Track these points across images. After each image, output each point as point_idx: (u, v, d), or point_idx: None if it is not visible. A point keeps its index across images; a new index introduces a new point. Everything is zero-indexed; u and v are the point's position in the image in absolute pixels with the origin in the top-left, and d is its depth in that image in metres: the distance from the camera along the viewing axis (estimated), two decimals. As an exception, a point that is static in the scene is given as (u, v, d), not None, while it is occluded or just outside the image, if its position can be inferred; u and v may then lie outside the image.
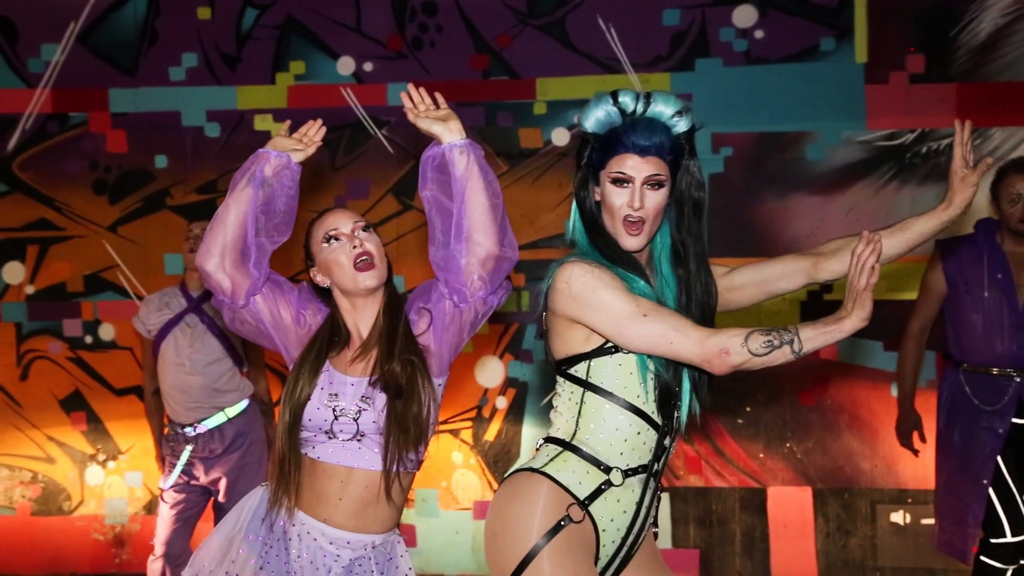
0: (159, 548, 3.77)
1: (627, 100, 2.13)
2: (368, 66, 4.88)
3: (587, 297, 2.06)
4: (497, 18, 4.86)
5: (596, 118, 2.16)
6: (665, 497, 4.80)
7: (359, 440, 2.25)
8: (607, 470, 2.12)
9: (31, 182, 5.07)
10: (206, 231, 2.26)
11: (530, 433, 4.89)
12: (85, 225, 5.00)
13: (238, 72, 4.96)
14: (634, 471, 2.13)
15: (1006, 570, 3.64)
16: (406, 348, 2.26)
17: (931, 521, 4.43)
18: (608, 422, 2.13)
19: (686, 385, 2.19)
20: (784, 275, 2.31)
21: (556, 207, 4.87)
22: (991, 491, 3.60)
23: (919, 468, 4.45)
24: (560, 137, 4.83)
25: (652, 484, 2.18)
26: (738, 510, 4.77)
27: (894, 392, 4.45)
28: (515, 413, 4.95)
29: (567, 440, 2.15)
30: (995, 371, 3.62)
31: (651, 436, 2.14)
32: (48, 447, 5.11)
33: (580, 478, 2.11)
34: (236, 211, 2.21)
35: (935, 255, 3.75)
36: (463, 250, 2.18)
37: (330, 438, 2.27)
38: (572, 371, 2.16)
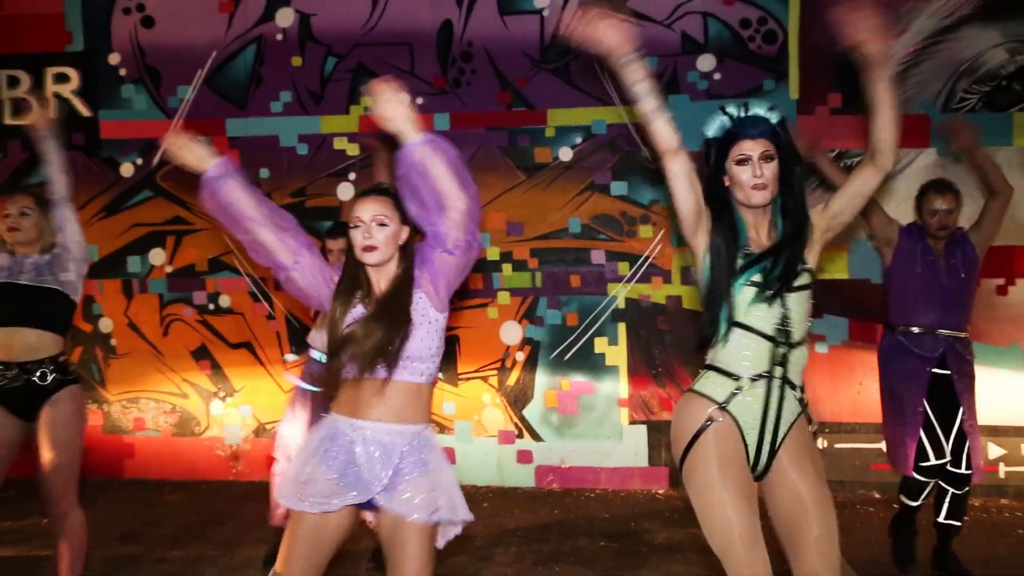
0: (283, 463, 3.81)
1: (732, 110, 2.53)
2: (419, 100, 5.43)
3: None
4: (518, 64, 5.43)
5: (715, 127, 2.54)
6: (642, 428, 5.34)
7: None
8: (736, 378, 2.49)
9: (170, 189, 5.71)
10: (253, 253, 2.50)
11: (542, 379, 5.42)
12: (209, 221, 5.46)
13: (321, 105, 5.55)
14: (759, 376, 2.48)
15: (929, 483, 4.08)
16: (401, 301, 2.50)
17: (843, 445, 5.07)
18: (734, 343, 2.49)
19: (791, 306, 2.46)
20: (862, 177, 2.53)
21: (562, 208, 5.39)
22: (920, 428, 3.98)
23: (834, 406, 5.07)
24: (565, 154, 5.37)
25: (777, 385, 2.48)
26: (698, 438, 5.51)
27: (818, 350, 5.13)
28: (530, 364, 5.43)
29: (708, 363, 2.55)
30: (939, 332, 4.03)
31: (767, 348, 2.47)
32: (183, 386, 5.75)
33: (719, 387, 2.50)
34: (241, 220, 2.44)
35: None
36: (442, 219, 2.38)
37: None
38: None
